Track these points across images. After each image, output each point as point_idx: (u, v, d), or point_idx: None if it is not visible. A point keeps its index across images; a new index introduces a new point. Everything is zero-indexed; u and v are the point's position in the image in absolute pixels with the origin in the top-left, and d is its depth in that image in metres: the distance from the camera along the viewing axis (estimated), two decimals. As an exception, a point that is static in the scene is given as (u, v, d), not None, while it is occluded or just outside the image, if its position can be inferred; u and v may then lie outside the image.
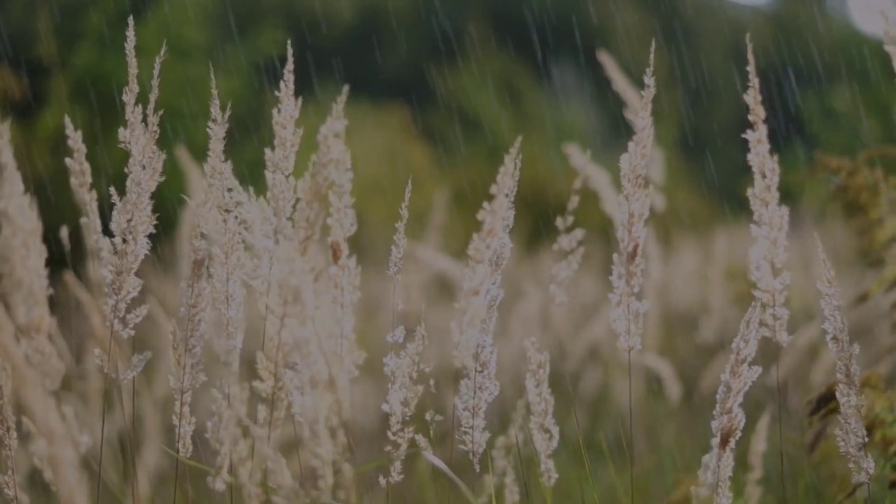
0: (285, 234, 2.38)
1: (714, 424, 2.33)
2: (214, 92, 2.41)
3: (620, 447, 4.46)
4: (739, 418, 2.32)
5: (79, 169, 2.60)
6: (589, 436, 5.25)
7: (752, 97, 2.38)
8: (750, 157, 2.39)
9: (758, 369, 2.32)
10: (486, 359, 2.36)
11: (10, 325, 1.83)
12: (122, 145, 2.38)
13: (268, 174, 2.39)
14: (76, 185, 2.61)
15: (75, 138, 2.56)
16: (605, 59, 4.47)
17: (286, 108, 2.40)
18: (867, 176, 3.30)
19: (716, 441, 2.33)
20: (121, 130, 2.38)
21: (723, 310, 5.96)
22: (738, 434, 2.32)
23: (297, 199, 2.50)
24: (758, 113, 2.38)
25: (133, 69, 2.39)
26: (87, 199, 2.63)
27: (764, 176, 2.39)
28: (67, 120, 2.58)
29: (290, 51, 2.42)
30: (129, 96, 2.39)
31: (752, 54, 2.40)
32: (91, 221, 2.60)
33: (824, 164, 3.33)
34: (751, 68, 2.38)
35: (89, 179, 2.59)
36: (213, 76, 2.48)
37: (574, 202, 2.85)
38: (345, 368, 2.40)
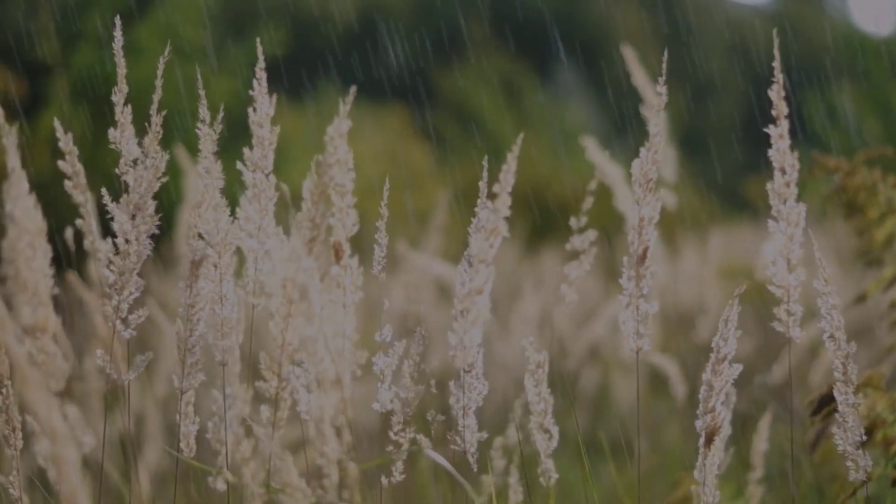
0: (269, 231, 2.39)
1: (698, 424, 2.33)
2: (202, 93, 2.41)
3: (622, 446, 4.46)
4: (722, 417, 2.33)
5: (72, 171, 2.60)
6: (590, 435, 5.25)
7: (776, 92, 2.37)
8: (771, 152, 2.38)
9: (738, 367, 2.32)
10: (473, 359, 2.37)
11: (14, 325, 1.83)
12: (112, 146, 2.39)
13: (248, 173, 2.41)
14: (70, 187, 2.61)
15: (66, 140, 2.56)
16: (627, 53, 4.45)
17: (261, 107, 2.41)
18: (865, 176, 3.30)
19: (700, 440, 2.34)
20: (111, 131, 2.38)
21: (725, 308, 5.94)
22: (722, 432, 2.33)
23: (302, 200, 2.50)
24: (780, 108, 2.37)
25: (122, 69, 2.39)
26: (83, 201, 2.63)
27: (784, 172, 2.39)
28: (57, 123, 2.58)
29: (259, 49, 2.43)
30: (118, 96, 2.39)
31: (778, 50, 2.40)
32: (87, 223, 2.61)
33: (822, 165, 3.32)
34: (776, 63, 2.37)
35: (83, 181, 2.60)
36: (199, 77, 2.48)
37: (588, 202, 2.87)
38: (347, 368, 2.41)
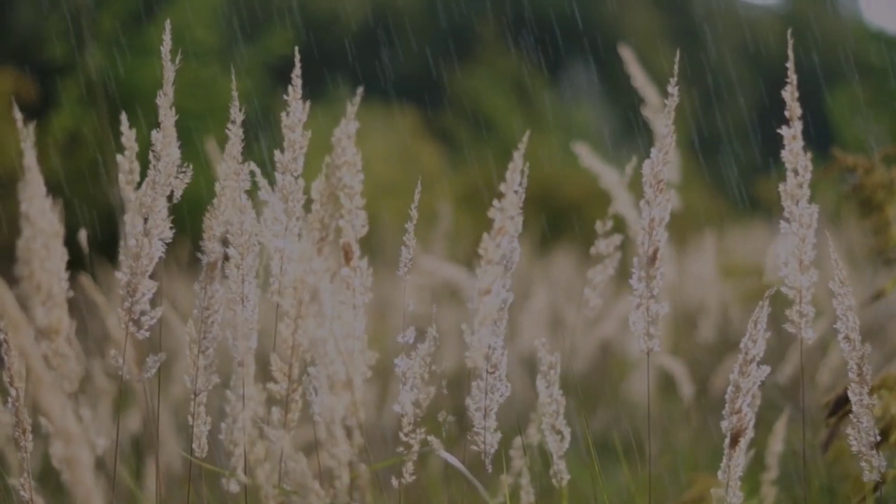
0: (295, 233, 2.39)
1: (724, 424, 2.33)
2: (235, 94, 2.42)
3: (634, 447, 4.46)
4: (749, 418, 2.32)
5: (128, 167, 2.60)
6: (602, 436, 5.25)
7: (790, 93, 2.36)
8: (784, 153, 2.37)
9: (767, 368, 2.32)
10: (497, 360, 2.36)
11: (30, 327, 1.83)
12: (153, 149, 2.39)
13: (278, 175, 2.41)
14: (124, 183, 2.61)
15: (128, 136, 2.56)
16: (626, 55, 4.45)
17: (294, 111, 2.42)
18: (883, 174, 3.29)
19: (726, 441, 2.33)
20: (154, 133, 2.39)
21: (734, 308, 5.95)
22: (748, 433, 2.32)
23: (311, 201, 2.50)
24: (793, 109, 2.36)
25: (169, 73, 2.40)
26: (133, 198, 2.63)
27: (796, 173, 2.38)
28: (124, 116, 2.58)
29: (297, 56, 2.44)
30: (163, 100, 2.39)
31: (791, 51, 2.39)
32: (135, 221, 2.60)
33: (841, 162, 3.31)
34: (790, 64, 2.37)
35: (137, 178, 2.60)
36: (233, 78, 2.49)
37: (615, 207, 2.87)
38: (358, 369, 2.41)
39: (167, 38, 2.40)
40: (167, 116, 2.38)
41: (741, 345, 2.32)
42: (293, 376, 2.38)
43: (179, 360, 4.57)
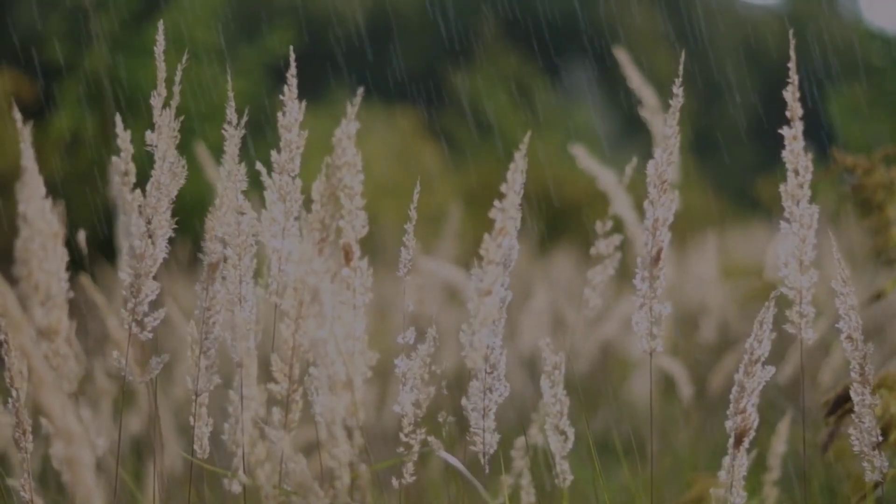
0: (292, 233, 2.39)
1: (728, 424, 2.33)
2: (231, 94, 2.42)
3: (634, 447, 4.47)
4: (753, 418, 2.32)
5: (124, 169, 2.60)
6: (603, 436, 5.26)
7: (791, 94, 2.36)
8: (784, 153, 2.37)
9: (771, 369, 2.32)
10: (496, 360, 2.36)
11: (30, 327, 1.83)
12: (148, 148, 2.39)
13: (274, 176, 2.42)
14: (119, 185, 2.61)
15: (124, 137, 2.56)
16: (622, 56, 4.44)
17: (290, 111, 2.42)
18: (883, 174, 3.29)
19: (730, 441, 2.33)
20: (148, 133, 2.39)
21: (735, 308, 5.95)
22: (752, 434, 2.33)
23: (312, 201, 2.50)
24: (794, 110, 2.36)
25: (161, 72, 2.40)
26: (129, 199, 2.62)
27: (797, 173, 2.38)
28: (118, 118, 2.57)
29: (292, 55, 2.43)
30: (156, 100, 2.39)
31: (793, 51, 2.39)
32: (133, 222, 2.60)
33: (841, 162, 3.32)
34: (792, 64, 2.36)
35: (133, 179, 2.59)
36: (229, 78, 2.49)
37: (613, 208, 2.87)
38: (358, 370, 2.41)
39: (160, 37, 2.40)
40: (162, 116, 2.38)
41: (746, 345, 2.32)
42: (294, 377, 2.38)
43: (181, 360, 4.57)
